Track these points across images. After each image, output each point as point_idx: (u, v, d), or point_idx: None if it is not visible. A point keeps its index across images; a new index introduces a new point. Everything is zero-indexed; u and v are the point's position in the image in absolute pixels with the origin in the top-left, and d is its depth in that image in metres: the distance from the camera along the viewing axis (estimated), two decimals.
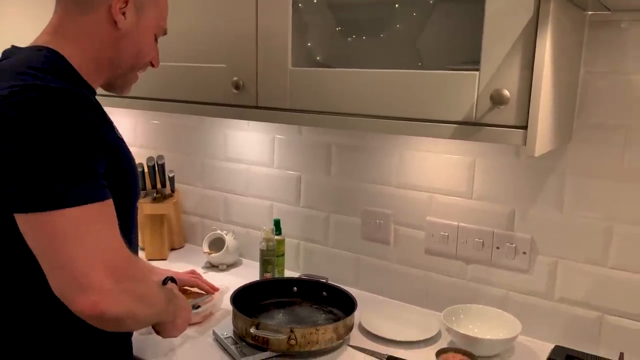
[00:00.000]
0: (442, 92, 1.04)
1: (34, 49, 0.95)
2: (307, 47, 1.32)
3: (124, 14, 0.97)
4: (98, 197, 0.85)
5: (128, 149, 1.02)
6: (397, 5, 1.31)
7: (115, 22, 0.97)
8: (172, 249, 1.89)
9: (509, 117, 0.98)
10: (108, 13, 0.96)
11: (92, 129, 0.86)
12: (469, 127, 1.02)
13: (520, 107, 0.96)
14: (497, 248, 1.36)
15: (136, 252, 1.11)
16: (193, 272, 1.46)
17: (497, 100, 0.97)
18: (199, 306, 1.34)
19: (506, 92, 0.97)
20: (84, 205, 0.83)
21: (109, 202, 0.88)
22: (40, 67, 0.89)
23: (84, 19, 0.96)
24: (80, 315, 0.82)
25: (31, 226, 0.82)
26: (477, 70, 1.00)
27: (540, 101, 0.95)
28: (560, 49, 1.01)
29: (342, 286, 1.45)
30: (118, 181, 0.95)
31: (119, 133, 1.01)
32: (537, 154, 0.96)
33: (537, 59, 0.94)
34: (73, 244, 0.81)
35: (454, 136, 1.03)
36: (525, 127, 0.96)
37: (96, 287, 0.81)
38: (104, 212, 0.87)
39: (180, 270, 1.45)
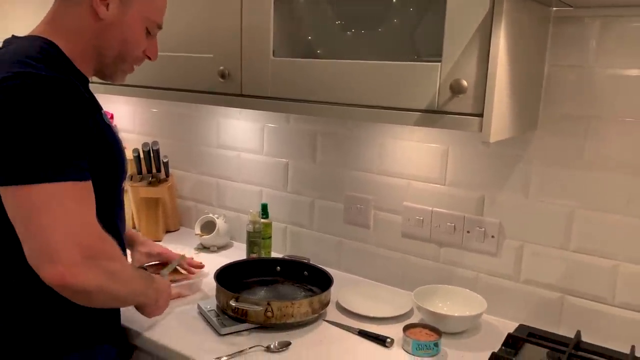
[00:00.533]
0: (408, 82, 1.11)
1: (31, 39, 1.04)
2: (291, 39, 1.39)
3: (107, 5, 1.04)
4: (75, 177, 0.92)
5: (114, 134, 1.10)
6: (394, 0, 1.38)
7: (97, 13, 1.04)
8: (168, 232, 1.98)
9: (467, 106, 1.05)
10: (91, 4, 1.03)
11: (74, 115, 0.94)
12: (431, 115, 1.09)
13: (477, 96, 1.04)
14: (468, 232, 1.43)
15: (123, 229, 1.20)
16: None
17: (457, 89, 1.04)
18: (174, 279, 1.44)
19: (464, 82, 1.04)
20: (60, 182, 0.90)
21: (87, 184, 0.95)
22: (35, 56, 0.97)
23: (73, 10, 1.04)
24: (48, 284, 0.88)
25: (10, 198, 0.91)
26: (440, 61, 1.07)
27: (495, 91, 1.02)
28: (518, 42, 1.08)
29: (323, 267, 1.53)
30: (102, 163, 1.02)
31: (106, 119, 1.08)
32: (492, 139, 1.03)
33: (492, 52, 1.01)
34: (46, 217, 0.88)
35: (417, 123, 1.11)
36: (481, 115, 1.03)
37: (63, 259, 0.87)
38: (80, 191, 0.93)
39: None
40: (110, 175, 1.07)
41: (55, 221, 0.88)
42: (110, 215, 1.10)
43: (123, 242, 1.19)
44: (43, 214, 0.88)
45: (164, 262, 1.48)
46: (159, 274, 1.37)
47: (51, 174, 0.89)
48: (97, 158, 1.00)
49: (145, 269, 1.44)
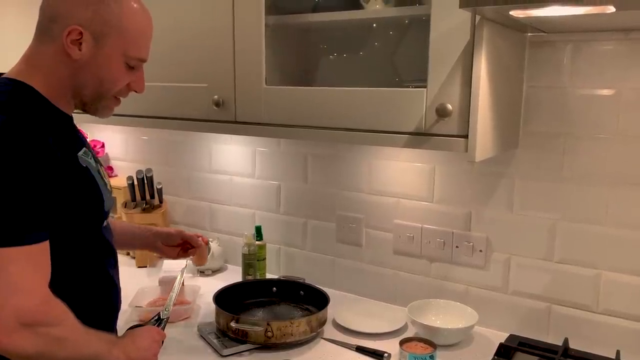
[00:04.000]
0: (396, 106, 1.18)
1: (3, 83, 1.00)
2: (283, 67, 1.46)
3: (80, 45, 0.99)
4: (23, 241, 0.89)
5: (92, 177, 1.05)
6: (374, 25, 1.46)
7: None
8: (161, 257, 2.00)
9: (452, 128, 1.12)
10: (63, 45, 0.99)
11: (29, 174, 0.89)
12: (419, 137, 1.16)
13: (461, 119, 1.10)
14: (457, 247, 1.49)
15: (115, 273, 1.15)
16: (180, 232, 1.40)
17: (442, 113, 1.11)
18: (158, 317, 1.25)
19: (449, 106, 1.10)
20: (6, 248, 0.87)
21: (38, 247, 0.91)
22: (1, 105, 0.93)
23: (47, 50, 1.00)
24: None
25: None
26: (425, 87, 1.14)
27: (479, 113, 1.09)
28: (498, 67, 1.15)
29: (318, 286, 1.57)
30: (75, 207, 1.00)
31: (86, 159, 1.05)
32: (477, 159, 1.10)
33: (475, 77, 1.08)
34: None
35: (406, 145, 1.17)
36: (466, 136, 1.10)
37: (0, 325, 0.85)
38: (28, 255, 0.89)
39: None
40: (89, 215, 1.04)
41: None
42: (95, 259, 1.08)
43: (115, 288, 1.14)
44: None
45: (185, 243, 1.40)
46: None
47: None
48: (69, 204, 0.98)
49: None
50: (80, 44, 0.99)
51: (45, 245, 0.93)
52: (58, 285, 0.95)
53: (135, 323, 1.22)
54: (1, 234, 0.87)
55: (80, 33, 0.99)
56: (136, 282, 1.69)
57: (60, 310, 0.95)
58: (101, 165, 1.14)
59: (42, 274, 0.93)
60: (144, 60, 1.08)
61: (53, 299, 0.94)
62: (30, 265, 0.90)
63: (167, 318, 1.24)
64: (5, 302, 0.86)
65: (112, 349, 1.01)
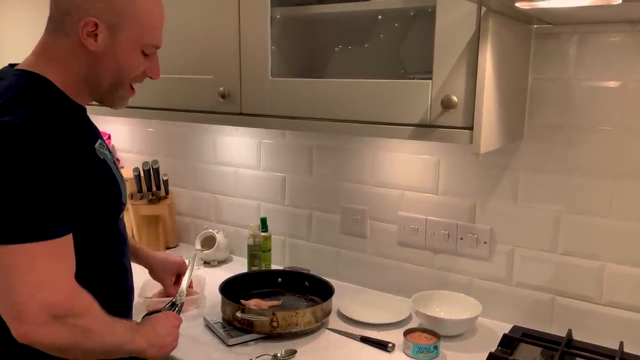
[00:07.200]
0: (402, 98, 1.18)
1: (19, 75, 1.00)
2: (288, 58, 1.46)
3: (95, 37, 0.99)
4: (46, 236, 0.90)
5: (109, 169, 1.07)
6: (380, 17, 1.46)
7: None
8: (167, 248, 2.02)
9: (457, 120, 1.12)
10: (79, 37, 0.99)
11: (50, 171, 0.90)
12: (424, 129, 1.16)
13: (466, 110, 1.11)
14: (461, 239, 1.50)
15: (128, 263, 1.17)
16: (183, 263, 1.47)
17: (447, 105, 1.11)
18: (173, 303, 1.29)
19: (454, 98, 1.11)
20: (30, 244, 0.89)
21: (61, 241, 0.93)
22: (19, 100, 0.93)
23: (61, 42, 1.00)
24: (19, 341, 0.90)
25: None
26: (430, 79, 1.14)
27: (484, 105, 1.09)
28: (503, 58, 1.15)
29: (322, 277, 1.58)
30: (96, 201, 1.01)
31: (101, 151, 1.06)
32: (482, 151, 1.10)
33: (480, 68, 1.08)
34: (15, 277, 0.89)
35: (411, 137, 1.17)
36: (471, 128, 1.10)
37: (29, 319, 0.89)
38: (52, 250, 0.91)
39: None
40: (104, 209, 1.06)
41: (23, 281, 0.89)
42: (110, 250, 1.10)
43: (127, 276, 1.16)
44: (13, 274, 0.89)
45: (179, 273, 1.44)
46: (174, 301, 1.30)
47: (21, 236, 0.89)
48: (89, 197, 0.99)
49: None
50: (96, 35, 0.99)
51: (69, 238, 0.95)
52: (77, 276, 0.97)
53: (147, 312, 1.24)
54: (25, 230, 0.89)
55: (96, 24, 0.99)
56: (140, 272, 1.69)
57: (86, 301, 0.97)
58: (113, 155, 1.15)
59: (68, 267, 0.95)
60: (158, 47, 1.09)
61: (79, 290, 0.96)
62: (55, 259, 0.92)
63: (182, 304, 1.28)
64: (34, 297, 0.90)
65: (135, 337, 1.04)
